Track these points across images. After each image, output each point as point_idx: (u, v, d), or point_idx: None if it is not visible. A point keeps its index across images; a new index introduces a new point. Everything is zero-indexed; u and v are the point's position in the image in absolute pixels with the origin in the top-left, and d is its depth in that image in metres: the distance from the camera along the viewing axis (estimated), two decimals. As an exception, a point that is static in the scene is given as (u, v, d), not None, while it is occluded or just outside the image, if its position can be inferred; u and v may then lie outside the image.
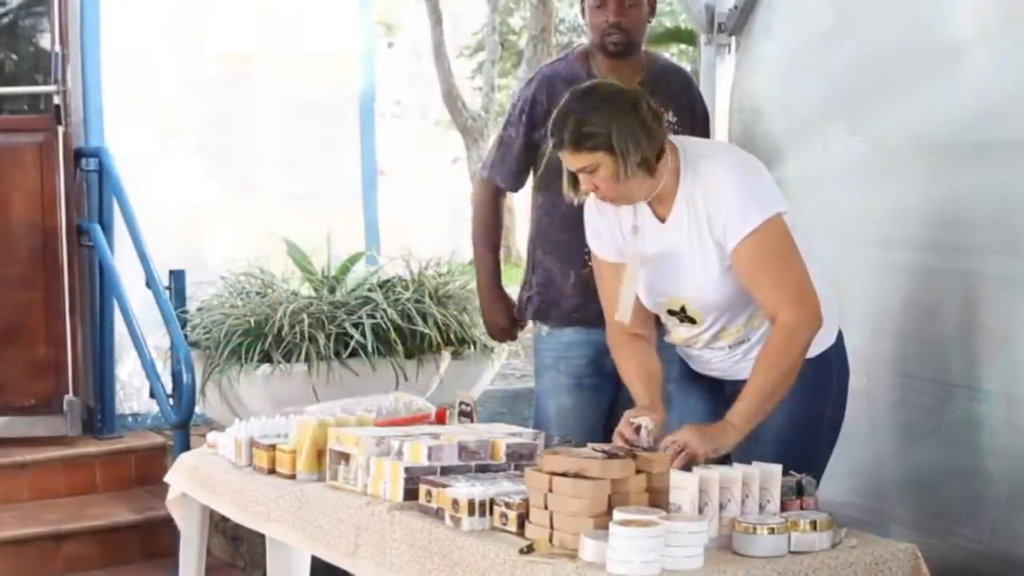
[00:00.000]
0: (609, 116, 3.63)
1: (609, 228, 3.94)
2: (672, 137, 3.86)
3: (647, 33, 4.87)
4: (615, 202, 3.81)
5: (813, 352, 3.79)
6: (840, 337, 3.97)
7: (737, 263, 3.74)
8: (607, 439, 4.37)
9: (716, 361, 3.99)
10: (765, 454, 3.66)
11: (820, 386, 3.89)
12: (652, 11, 4.81)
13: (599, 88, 3.79)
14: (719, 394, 4.00)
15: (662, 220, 3.83)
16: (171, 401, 6.04)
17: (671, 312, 3.92)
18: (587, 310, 4.53)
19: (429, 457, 3.76)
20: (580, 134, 3.64)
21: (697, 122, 4.90)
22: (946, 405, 4.30)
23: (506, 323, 5.01)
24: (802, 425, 3.88)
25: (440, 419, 4.39)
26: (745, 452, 3.71)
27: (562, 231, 4.69)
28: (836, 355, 3.94)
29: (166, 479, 4.75)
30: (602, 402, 4.75)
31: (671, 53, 17.13)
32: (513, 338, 5.12)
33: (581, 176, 3.72)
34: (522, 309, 4.95)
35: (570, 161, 3.72)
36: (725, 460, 3.67)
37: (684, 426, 3.71)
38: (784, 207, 3.74)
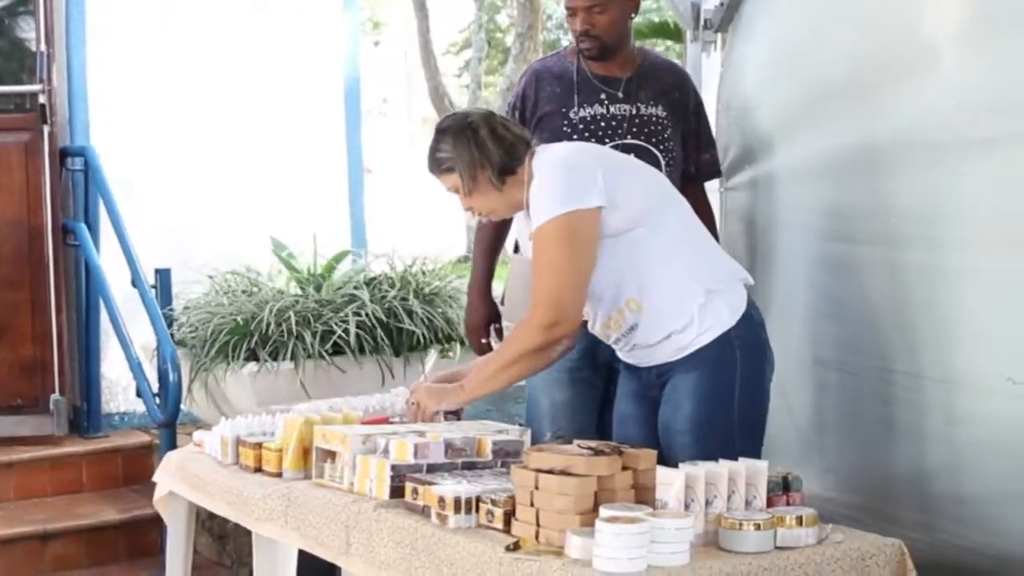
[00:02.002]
0: (451, 141, 4.03)
1: (525, 232, 4.21)
2: (539, 146, 4.12)
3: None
4: (488, 216, 4.22)
5: (709, 337, 3.95)
6: (746, 320, 3.99)
7: None
8: (600, 434, 4.41)
9: (626, 351, 4.13)
10: (684, 444, 3.92)
11: (722, 367, 3.97)
12: (635, 7, 4.79)
13: (450, 117, 4.18)
14: (643, 378, 4.14)
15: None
16: (157, 400, 6.04)
17: None
18: None
19: (415, 455, 3.76)
20: (432, 160, 4.09)
21: (690, 118, 4.88)
22: (924, 399, 4.31)
23: (476, 323, 4.95)
24: (710, 407, 3.98)
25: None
26: (665, 441, 3.99)
27: None
28: (739, 336, 3.98)
29: (155, 478, 4.75)
30: (594, 396, 4.74)
31: (659, 50, 17.09)
32: (480, 338, 5.04)
33: (458, 196, 4.11)
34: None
35: (441, 184, 4.13)
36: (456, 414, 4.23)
37: (418, 385, 4.27)
38: (580, 204, 3.88)
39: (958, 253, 4.18)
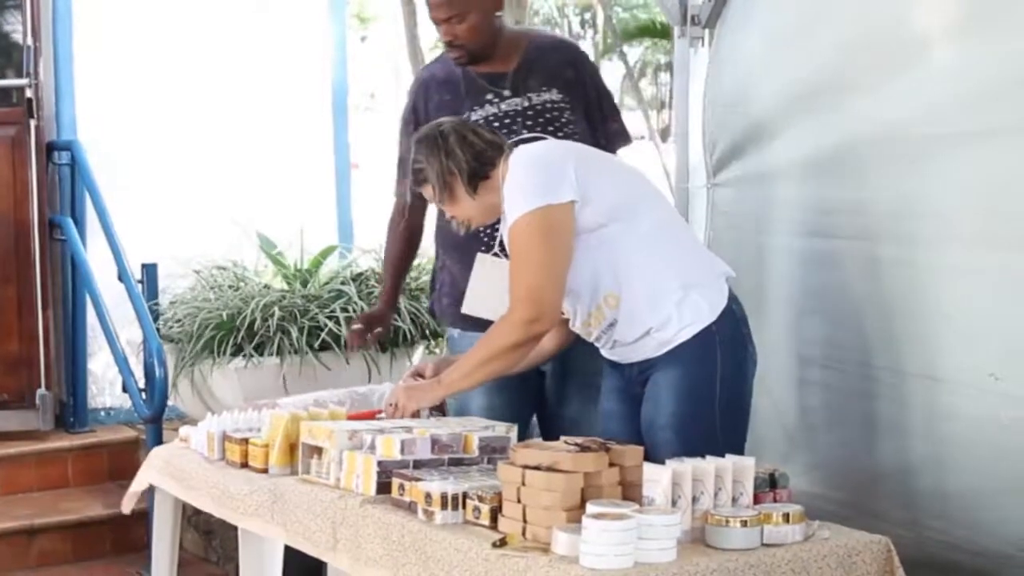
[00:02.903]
0: (424, 152, 4.05)
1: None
2: (516, 148, 4.09)
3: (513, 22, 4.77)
4: (469, 223, 4.14)
5: (689, 332, 3.93)
6: (727, 315, 3.97)
7: None
8: (546, 434, 4.40)
9: (608, 348, 4.11)
10: (666, 440, 3.89)
11: (703, 362, 3.95)
12: (497, 5, 4.66)
13: (426, 127, 4.18)
14: (627, 374, 4.12)
15: None
16: (143, 395, 6.03)
17: None
18: None
19: (402, 451, 3.76)
20: (412, 173, 4.11)
21: (590, 92, 4.79)
22: (908, 396, 4.31)
23: (364, 319, 4.89)
24: (692, 403, 3.95)
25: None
26: (648, 438, 3.94)
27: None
28: (719, 331, 3.96)
29: (139, 474, 4.74)
30: (522, 399, 4.66)
31: (644, 47, 17.09)
32: (359, 332, 4.84)
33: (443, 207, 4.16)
34: (435, 310, 4.88)
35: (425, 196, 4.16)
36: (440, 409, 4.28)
37: (396, 386, 4.28)
38: (552, 198, 3.87)
39: (940, 249, 4.18)
